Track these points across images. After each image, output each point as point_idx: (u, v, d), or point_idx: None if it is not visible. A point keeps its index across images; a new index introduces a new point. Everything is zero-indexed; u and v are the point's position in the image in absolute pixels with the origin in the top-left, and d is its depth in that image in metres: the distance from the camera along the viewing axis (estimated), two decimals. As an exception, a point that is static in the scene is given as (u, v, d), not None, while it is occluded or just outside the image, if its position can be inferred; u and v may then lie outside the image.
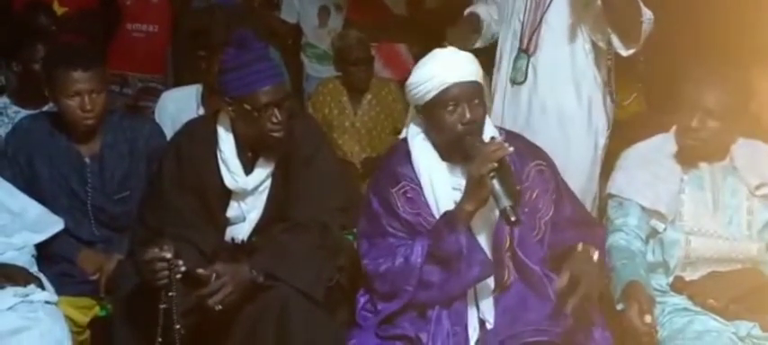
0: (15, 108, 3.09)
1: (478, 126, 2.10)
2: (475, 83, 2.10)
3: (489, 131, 2.17)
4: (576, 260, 2.01)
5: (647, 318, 1.98)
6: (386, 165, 2.24)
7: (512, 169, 2.06)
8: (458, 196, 2.08)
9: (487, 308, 2.11)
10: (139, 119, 2.92)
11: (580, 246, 2.04)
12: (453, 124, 2.08)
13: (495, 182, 1.95)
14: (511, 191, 1.97)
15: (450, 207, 2.08)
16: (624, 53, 2.57)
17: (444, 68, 2.10)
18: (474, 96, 2.08)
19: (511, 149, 2.00)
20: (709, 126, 2.19)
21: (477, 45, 2.82)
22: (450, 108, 2.08)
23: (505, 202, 1.94)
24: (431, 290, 2.08)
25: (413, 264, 2.08)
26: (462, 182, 2.08)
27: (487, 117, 2.20)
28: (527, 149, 2.20)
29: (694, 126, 2.20)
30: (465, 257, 2.02)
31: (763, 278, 2.21)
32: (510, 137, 2.20)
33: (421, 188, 2.14)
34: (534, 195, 2.13)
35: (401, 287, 2.10)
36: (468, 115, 2.07)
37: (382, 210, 2.18)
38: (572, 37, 2.64)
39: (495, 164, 1.96)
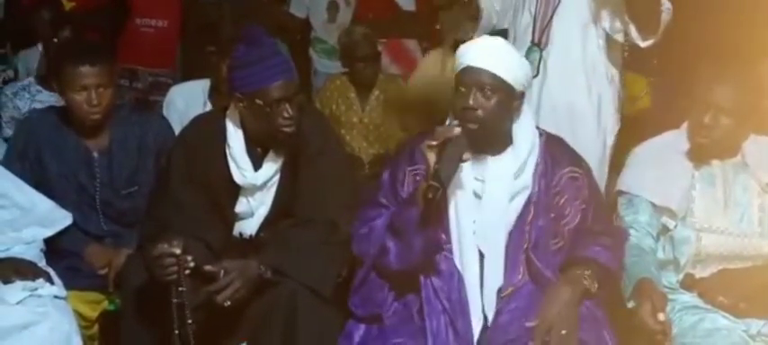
0: (38, 87, 3.11)
1: (481, 117, 2.05)
2: (489, 73, 2.05)
3: (524, 132, 2.13)
4: (551, 300, 2.01)
5: (661, 316, 1.97)
6: (415, 142, 2.22)
7: (457, 155, 2.00)
8: (478, 186, 2.10)
9: (489, 305, 2.10)
10: (148, 114, 2.92)
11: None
12: (458, 107, 2.07)
13: (432, 159, 1.97)
14: (440, 175, 1.96)
15: (468, 196, 2.09)
16: (642, 44, 2.53)
17: (466, 50, 2.10)
18: (485, 86, 2.04)
19: (456, 132, 1.99)
20: (721, 123, 2.18)
21: (474, 35, 2.78)
22: (461, 90, 2.07)
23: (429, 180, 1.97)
24: (388, 257, 2.11)
25: (378, 229, 2.14)
26: (484, 173, 2.09)
27: (528, 117, 2.16)
28: (563, 155, 2.16)
29: (707, 123, 2.19)
30: (413, 232, 2.04)
31: None
32: (550, 139, 2.18)
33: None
34: (562, 201, 2.11)
35: (366, 251, 2.15)
36: (469, 101, 2.05)
37: (388, 184, 2.21)
38: (585, 31, 2.62)
39: (434, 142, 1.97)
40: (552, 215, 2.10)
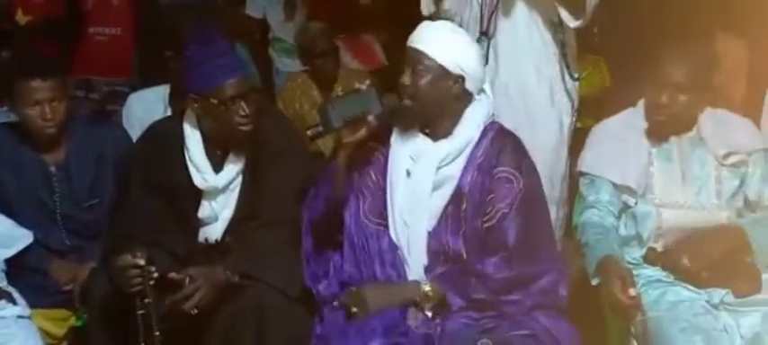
0: None
1: (412, 93, 2.09)
2: (422, 53, 2.10)
3: (467, 123, 2.14)
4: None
5: (632, 291, 1.99)
6: None
7: (357, 108, 2.08)
8: (410, 165, 2.14)
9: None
10: (105, 125, 2.90)
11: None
12: (398, 87, 2.13)
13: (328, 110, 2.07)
14: (324, 115, 2.07)
15: (401, 173, 2.14)
16: (572, 25, 2.57)
17: (413, 33, 2.16)
18: (418, 65, 2.10)
19: (359, 86, 2.12)
20: (679, 100, 2.20)
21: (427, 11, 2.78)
22: (403, 68, 2.13)
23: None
24: (309, 203, 2.25)
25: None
26: (417, 153, 2.13)
27: (479, 108, 2.16)
28: (508, 154, 2.14)
29: (665, 102, 2.21)
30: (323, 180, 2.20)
31: (739, 238, 2.20)
32: (502, 135, 2.17)
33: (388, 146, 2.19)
34: (489, 198, 2.11)
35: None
36: (403, 79, 2.11)
37: None
38: (530, 14, 2.64)
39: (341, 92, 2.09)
40: (482, 211, 2.10)
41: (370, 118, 2.10)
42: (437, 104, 2.12)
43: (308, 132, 2.11)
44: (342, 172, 2.17)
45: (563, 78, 2.69)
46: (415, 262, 2.13)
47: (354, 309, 2.06)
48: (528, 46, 2.65)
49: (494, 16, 2.63)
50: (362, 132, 2.11)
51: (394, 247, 2.15)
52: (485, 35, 2.64)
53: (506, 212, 2.09)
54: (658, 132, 2.29)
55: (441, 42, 2.12)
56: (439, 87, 2.10)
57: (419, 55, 2.10)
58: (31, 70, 2.48)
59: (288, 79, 4.05)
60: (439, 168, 2.12)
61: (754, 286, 2.14)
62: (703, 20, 3.12)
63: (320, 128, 2.10)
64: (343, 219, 2.20)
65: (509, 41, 2.65)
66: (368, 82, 2.14)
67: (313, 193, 2.24)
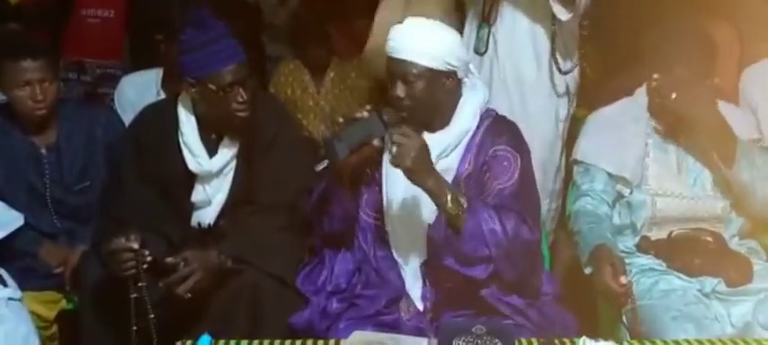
0: None
1: (409, 105, 2.04)
2: (409, 62, 2.04)
3: (463, 114, 2.13)
4: None
5: (623, 279, 1.99)
6: None
7: (360, 136, 2.02)
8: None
9: (413, 278, 2.14)
10: (97, 108, 2.89)
11: None
12: (389, 96, 2.08)
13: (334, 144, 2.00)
14: (330, 149, 2.00)
15: (397, 176, 2.09)
16: (563, 17, 2.55)
17: (390, 38, 2.09)
18: (408, 75, 2.04)
19: (360, 114, 2.02)
20: (684, 91, 2.17)
21: None
22: (390, 79, 2.08)
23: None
24: (322, 220, 2.20)
25: (315, 193, 2.19)
26: None
27: (474, 97, 2.15)
28: (503, 134, 2.14)
29: (674, 94, 2.17)
30: (333, 201, 2.14)
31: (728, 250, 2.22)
32: (498, 121, 2.17)
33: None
34: (486, 176, 2.11)
35: (307, 208, 2.23)
36: (396, 92, 2.06)
37: None
38: (531, 7, 2.63)
39: (341, 119, 2.09)
40: (481, 191, 2.09)
41: (375, 141, 2.04)
42: (436, 104, 2.09)
43: (316, 168, 2.04)
44: (348, 189, 2.15)
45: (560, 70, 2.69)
46: (413, 257, 2.13)
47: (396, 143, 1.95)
48: (529, 37, 2.64)
49: (496, 4, 2.62)
50: (366, 153, 2.07)
51: (387, 243, 2.15)
52: (486, 22, 2.64)
53: (502, 188, 2.07)
54: (665, 124, 2.27)
55: (422, 45, 2.05)
56: (434, 89, 2.07)
57: (405, 65, 2.05)
58: (20, 51, 2.45)
59: (280, 65, 4.02)
60: (438, 159, 2.09)
61: (745, 276, 2.15)
62: (690, 5, 3.10)
63: (326, 162, 2.04)
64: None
65: (509, 31, 2.65)
66: (368, 107, 2.06)
67: (319, 205, 2.18)
